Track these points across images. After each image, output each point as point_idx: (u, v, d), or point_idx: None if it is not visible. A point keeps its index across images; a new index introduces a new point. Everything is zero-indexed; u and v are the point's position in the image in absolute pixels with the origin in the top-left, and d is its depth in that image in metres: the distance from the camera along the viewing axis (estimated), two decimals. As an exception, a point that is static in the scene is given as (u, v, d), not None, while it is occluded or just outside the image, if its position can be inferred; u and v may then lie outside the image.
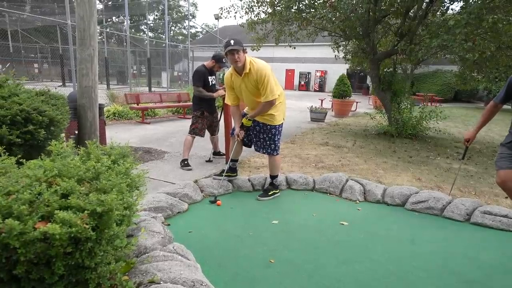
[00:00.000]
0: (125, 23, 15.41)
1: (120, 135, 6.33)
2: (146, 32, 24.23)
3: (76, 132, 2.85)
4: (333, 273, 2.02)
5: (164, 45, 15.86)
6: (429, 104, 15.18)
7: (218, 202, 3.15)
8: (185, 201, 3.08)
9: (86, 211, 1.17)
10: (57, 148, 1.56)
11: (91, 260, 1.19)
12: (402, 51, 6.45)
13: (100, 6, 21.65)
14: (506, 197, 3.23)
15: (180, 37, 41.22)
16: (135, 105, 8.27)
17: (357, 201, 3.34)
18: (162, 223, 2.55)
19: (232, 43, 3.01)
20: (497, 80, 8.49)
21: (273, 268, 2.05)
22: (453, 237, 2.57)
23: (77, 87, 2.78)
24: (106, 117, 7.92)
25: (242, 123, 3.40)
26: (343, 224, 2.77)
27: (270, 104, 3.19)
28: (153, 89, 15.33)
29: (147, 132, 6.93)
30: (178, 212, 2.88)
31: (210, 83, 4.51)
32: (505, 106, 2.78)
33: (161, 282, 1.42)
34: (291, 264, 2.10)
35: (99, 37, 19.77)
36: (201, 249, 2.24)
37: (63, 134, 2.63)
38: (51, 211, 1.14)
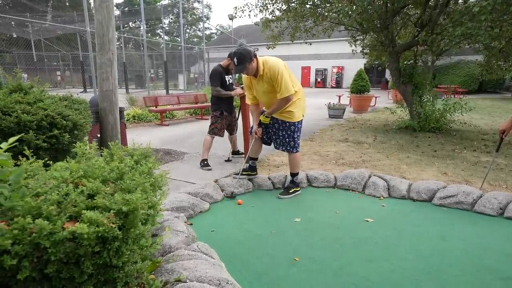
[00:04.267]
0: (142, 28, 15.72)
1: (140, 137, 6.45)
2: (162, 36, 24.66)
3: (99, 135, 2.92)
4: (360, 272, 1.96)
5: (179, 47, 16.08)
6: (452, 96, 14.66)
7: (239, 201, 3.13)
8: (206, 200, 3.09)
9: (112, 211, 1.18)
10: (82, 149, 1.59)
11: (119, 259, 1.20)
12: (423, 42, 6.24)
13: (117, 12, 22.17)
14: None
15: (195, 39, 41.71)
16: (154, 108, 8.42)
17: (381, 197, 3.25)
18: (185, 222, 2.57)
19: (236, 63, 3.02)
20: (525, 68, 8.08)
21: (297, 267, 2.01)
22: (486, 233, 2.45)
23: (98, 91, 2.85)
24: (126, 120, 8.11)
25: (260, 120, 3.38)
26: (367, 221, 2.70)
27: (287, 100, 3.14)
28: (170, 91, 15.58)
29: (166, 134, 7.03)
30: (200, 212, 2.89)
31: (228, 82, 4.52)
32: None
33: (187, 281, 1.42)
34: (316, 263, 2.06)
35: (117, 43, 20.29)
36: (224, 248, 2.23)
37: (86, 138, 2.69)
38: (78, 211, 1.16)
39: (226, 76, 4.51)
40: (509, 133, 3.06)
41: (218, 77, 4.45)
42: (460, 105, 7.04)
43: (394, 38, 7.25)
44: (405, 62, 7.72)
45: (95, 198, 1.23)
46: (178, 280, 1.43)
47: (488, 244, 2.27)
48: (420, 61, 8.11)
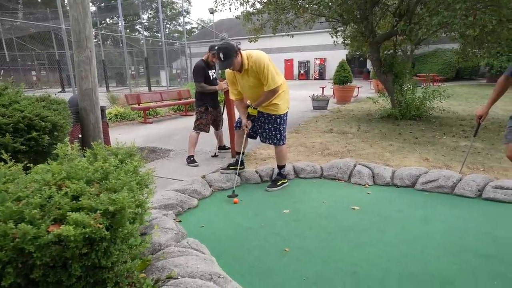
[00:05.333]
0: (120, 24, 15.31)
1: (124, 136, 6.33)
2: (142, 32, 24.11)
3: (80, 135, 2.85)
4: (348, 258, 2.01)
5: (160, 43, 15.77)
6: (431, 84, 15.01)
7: (235, 200, 3.04)
8: (195, 197, 3.08)
9: (98, 211, 1.16)
10: (63, 150, 1.55)
11: (107, 259, 1.18)
12: (402, 31, 6.34)
13: (93, 8, 21.47)
14: (517, 171, 3.20)
15: (176, 34, 40.99)
16: (136, 106, 8.26)
17: (367, 185, 3.32)
18: (174, 220, 2.55)
19: (222, 59, 2.97)
20: (499, 54, 8.35)
21: (288, 257, 2.04)
22: (466, 214, 2.55)
23: (77, 91, 2.77)
24: (108, 119, 7.93)
25: (248, 113, 3.37)
26: (354, 208, 2.76)
27: (274, 92, 3.16)
28: (152, 88, 15.29)
29: (150, 132, 6.92)
30: (189, 208, 2.88)
31: (211, 77, 4.47)
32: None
33: (179, 277, 1.42)
34: (305, 252, 2.09)
35: (95, 40, 19.70)
36: (215, 243, 2.24)
37: (67, 139, 2.62)
38: (63, 213, 1.14)
39: (209, 71, 4.46)
40: (485, 118, 3.16)
41: (201, 72, 4.39)
42: (439, 93, 7.23)
43: (374, 28, 7.33)
44: (385, 52, 7.84)
45: (80, 199, 1.20)
46: (170, 277, 1.42)
47: (468, 225, 2.36)
48: (400, 50, 8.25)
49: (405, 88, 7.63)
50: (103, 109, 3.87)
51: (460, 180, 3.03)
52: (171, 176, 3.90)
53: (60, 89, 16.63)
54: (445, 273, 1.81)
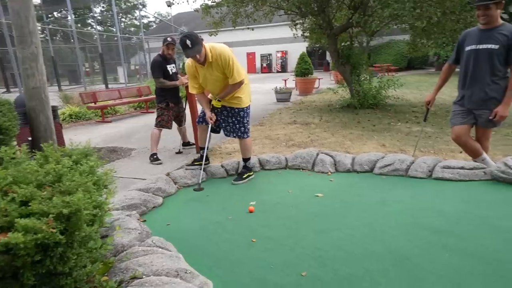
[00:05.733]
0: (69, 18, 14.35)
1: (80, 137, 5.99)
2: (94, 26, 22.77)
3: (30, 138, 2.65)
4: (313, 243, 2.08)
5: (116, 38, 15.03)
6: (386, 74, 15.77)
7: (250, 208, 2.66)
8: (159, 195, 3.01)
9: (51, 215, 1.09)
10: (7, 154, 1.43)
11: (64, 265, 1.12)
12: (357, 23, 6.59)
13: (37, 0, 19.85)
14: (461, 152, 3.47)
15: (133, 28, 39.25)
16: (93, 104, 7.85)
17: (329, 173, 3.44)
18: (138, 219, 2.48)
19: (190, 45, 2.85)
20: (444, 45, 8.95)
21: (255, 247, 2.07)
22: (419, 194, 2.74)
23: (24, 90, 2.57)
24: (62, 119, 7.46)
25: (213, 105, 3.33)
26: (318, 196, 2.84)
27: (239, 85, 3.17)
28: (110, 85, 14.65)
29: (110, 131, 6.62)
30: (154, 207, 2.81)
31: (170, 72, 4.34)
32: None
33: (144, 276, 1.38)
34: (272, 241, 2.13)
35: (42, 35, 18.31)
36: (182, 240, 2.21)
37: (15, 142, 2.43)
38: (10, 220, 1.06)
39: (168, 66, 4.33)
40: (434, 104, 3.40)
41: (159, 68, 4.26)
42: (393, 82, 7.63)
43: (331, 21, 7.53)
44: (343, 44, 8.10)
45: (29, 204, 1.12)
46: (134, 277, 1.38)
47: (421, 204, 2.54)
48: (356, 42, 8.56)
49: (362, 79, 7.96)
50: (55, 109, 3.63)
51: (413, 162, 3.23)
52: (134, 176, 3.78)
53: (5, 89, 15.31)
54: (402, 250, 1.94)
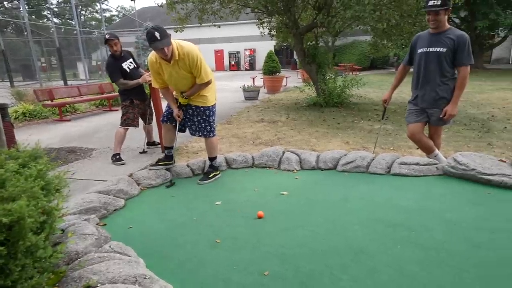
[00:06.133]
0: (22, 8, 13.36)
1: (35, 137, 5.62)
2: (51, 18, 21.36)
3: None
4: (277, 241, 2.10)
5: (75, 32, 14.22)
6: (350, 73, 16.32)
7: (259, 213, 2.49)
8: (121, 197, 2.89)
9: (-11, 225, 1.00)
10: None
11: (6, 278, 1.03)
12: (321, 23, 6.73)
13: (-15, -10, 18.24)
14: (418, 148, 3.68)
15: (94, 22, 37.38)
16: (49, 102, 7.38)
17: (295, 171, 3.49)
18: (97, 224, 2.38)
19: (159, 37, 2.72)
20: (403, 46, 9.40)
21: (219, 248, 2.05)
22: (377, 189, 2.85)
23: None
24: (15, 118, 6.95)
25: (180, 102, 3.24)
26: (283, 194, 2.88)
27: (206, 85, 3.12)
28: (69, 82, 13.89)
29: (68, 130, 6.27)
30: (115, 210, 2.70)
31: (128, 69, 4.14)
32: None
33: (98, 285, 1.31)
34: (236, 240, 2.12)
35: (-9, 27, 16.90)
36: (144, 243, 2.14)
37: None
38: None
39: (123, 64, 4.11)
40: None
41: (115, 69, 4.04)
42: (356, 81, 7.90)
43: (296, 20, 7.64)
44: (309, 43, 8.25)
45: (-36, 214, 1.02)
46: (88, 287, 1.31)
47: (379, 199, 2.65)
48: (322, 41, 8.77)
49: (328, 78, 8.17)
50: (4, 107, 3.38)
51: (373, 159, 3.37)
52: (94, 177, 3.61)
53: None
54: (360, 244, 2.02)
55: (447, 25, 2.90)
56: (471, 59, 2.80)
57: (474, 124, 5.84)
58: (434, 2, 2.77)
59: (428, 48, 2.95)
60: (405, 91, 9.87)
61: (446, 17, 2.84)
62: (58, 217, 1.53)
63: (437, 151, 3.22)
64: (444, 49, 2.84)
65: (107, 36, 4.04)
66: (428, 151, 3.23)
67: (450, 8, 2.83)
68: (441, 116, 2.97)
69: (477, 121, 6.08)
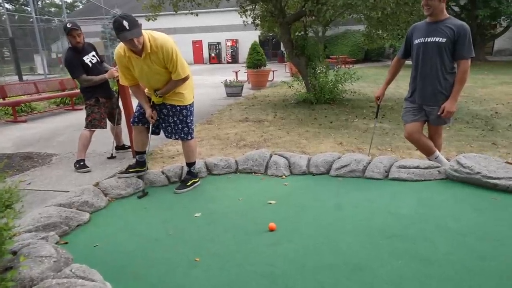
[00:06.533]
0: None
1: (-16, 141, 5.42)
2: (2, 4, 20.71)
3: None
4: (265, 258, 2.08)
5: (31, 20, 13.85)
6: (342, 66, 16.52)
7: (271, 225, 2.45)
8: (85, 210, 2.82)
9: None
10: None
11: None
12: (310, 12, 6.78)
13: None
14: (417, 149, 3.74)
15: (53, 9, 36.47)
16: (1, 100, 7.15)
17: (283, 176, 3.48)
18: (57, 242, 2.31)
19: (127, 27, 2.64)
20: (400, 37, 9.58)
21: (199, 267, 2.01)
22: (374, 196, 2.88)
23: None
24: (-41, 119, 6.69)
25: (153, 102, 3.18)
26: (271, 203, 2.86)
27: (183, 81, 3.07)
28: (25, 77, 13.53)
29: (24, 133, 6.08)
30: (78, 225, 2.63)
31: (90, 64, 4.03)
32: (408, 63, 3.20)
33: (57, 318, 1.26)
34: (218, 258, 2.09)
35: None
36: (112, 264, 2.08)
37: None
38: None
39: (85, 58, 3.99)
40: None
41: (76, 64, 3.92)
42: (350, 75, 8.00)
43: (283, 8, 7.67)
44: (297, 34, 8.30)
45: None
46: (44, 320, 1.25)
47: (376, 207, 2.68)
48: (312, 31, 8.85)
49: (318, 71, 8.23)
50: None
51: (370, 163, 3.40)
52: (54, 188, 3.51)
53: None
54: (356, 259, 2.02)
55: (446, 14, 2.94)
56: (472, 52, 2.84)
57: (477, 121, 6.00)
58: None
59: (426, 38, 2.97)
60: (402, 86, 10.09)
61: (443, 4, 2.88)
62: (8, 238, 1.46)
63: (437, 152, 3.27)
64: (444, 39, 2.87)
65: (69, 26, 3.88)
66: (428, 153, 3.28)
67: None
68: (439, 113, 3.01)
69: (480, 118, 6.25)
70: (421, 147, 3.27)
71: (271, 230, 2.42)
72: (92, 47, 4.19)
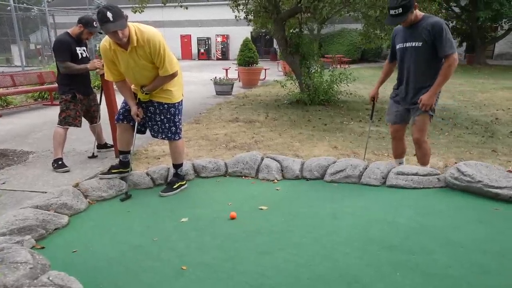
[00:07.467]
0: None
1: (-46, 136, 5.30)
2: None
3: None
4: (255, 267, 2.07)
5: (8, 8, 13.63)
6: (338, 66, 16.66)
7: (232, 214, 2.71)
8: (64, 212, 2.80)
9: None
10: None
11: None
12: (306, 8, 6.82)
13: None
14: (415, 154, 3.78)
15: (33, -4, 35.87)
16: (-26, 93, 7.01)
17: (275, 181, 3.49)
18: (33, 247, 2.28)
19: (111, 18, 2.62)
20: (398, 37, 9.71)
21: (185, 277, 2.00)
22: (371, 204, 2.90)
23: None
24: None
25: (139, 98, 3.15)
26: (262, 209, 2.86)
27: (171, 77, 3.06)
28: (1, 69, 13.35)
29: (-2, 129, 5.98)
30: (56, 229, 2.60)
31: (80, 56, 4.03)
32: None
33: (32, 331, 1.23)
34: (206, 267, 2.08)
35: None
36: (92, 272, 2.05)
37: None
38: None
39: (77, 48, 4.02)
40: (377, 99, 3.75)
41: (66, 48, 3.92)
42: (345, 76, 8.07)
43: (278, 3, 7.70)
44: (291, 31, 8.34)
45: None
46: (18, 333, 1.22)
47: (373, 216, 2.69)
48: (307, 29, 8.89)
49: (313, 71, 8.28)
50: None
51: (366, 168, 3.43)
52: (30, 188, 3.48)
53: None
54: (352, 271, 2.02)
55: (419, 15, 3.04)
56: (453, 45, 2.93)
57: (476, 127, 6.11)
58: (395, 12, 2.90)
59: (405, 44, 3.13)
60: (399, 88, 10.20)
61: (415, 12, 2.96)
62: (-20, 243, 1.42)
63: (403, 159, 3.70)
64: (420, 43, 3.01)
65: (95, 24, 3.92)
66: (400, 156, 3.69)
67: (416, 4, 2.94)
68: (418, 101, 3.11)
69: (480, 124, 6.37)
70: (399, 146, 3.63)
71: (232, 218, 2.66)
72: (85, 44, 4.22)
